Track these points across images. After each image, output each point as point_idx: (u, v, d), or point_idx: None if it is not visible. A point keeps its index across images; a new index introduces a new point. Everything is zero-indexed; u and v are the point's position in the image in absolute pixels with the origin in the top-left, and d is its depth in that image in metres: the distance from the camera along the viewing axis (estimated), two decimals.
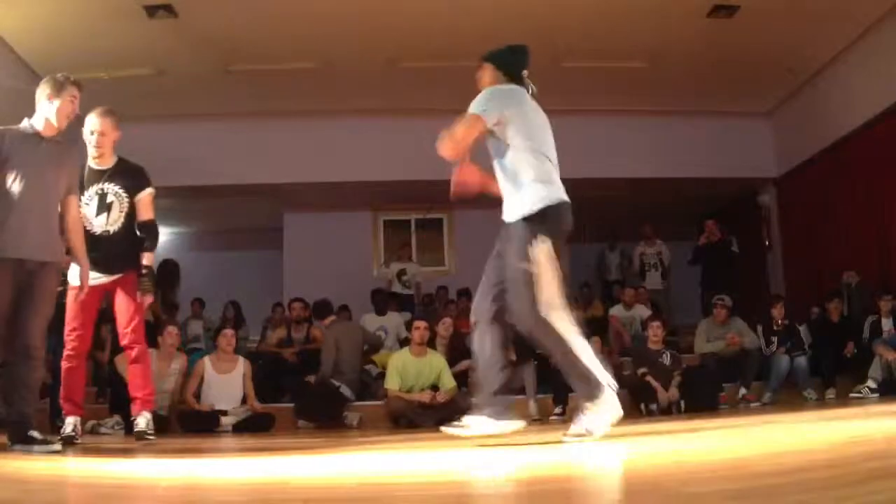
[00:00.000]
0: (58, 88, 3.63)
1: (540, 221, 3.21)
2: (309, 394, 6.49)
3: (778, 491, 1.68)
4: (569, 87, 8.68)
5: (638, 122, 9.30)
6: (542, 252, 3.13)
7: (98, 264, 4.07)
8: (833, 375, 6.86)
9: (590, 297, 9.63)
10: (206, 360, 6.24)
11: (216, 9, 6.86)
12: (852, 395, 6.49)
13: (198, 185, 9.28)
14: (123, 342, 4.33)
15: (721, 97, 8.88)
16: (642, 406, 6.36)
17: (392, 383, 6.12)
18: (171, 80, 8.11)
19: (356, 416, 6.37)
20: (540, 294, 3.08)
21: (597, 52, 7.88)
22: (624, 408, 6.16)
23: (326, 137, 9.16)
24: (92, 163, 4.35)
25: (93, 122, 4.37)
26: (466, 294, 9.24)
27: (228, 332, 6.39)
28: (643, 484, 1.99)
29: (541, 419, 6.34)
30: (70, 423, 4.14)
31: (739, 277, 8.95)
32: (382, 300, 8.22)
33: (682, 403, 6.35)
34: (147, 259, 4.31)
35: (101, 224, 4.24)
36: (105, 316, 8.10)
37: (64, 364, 4.18)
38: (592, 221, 10.79)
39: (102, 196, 4.28)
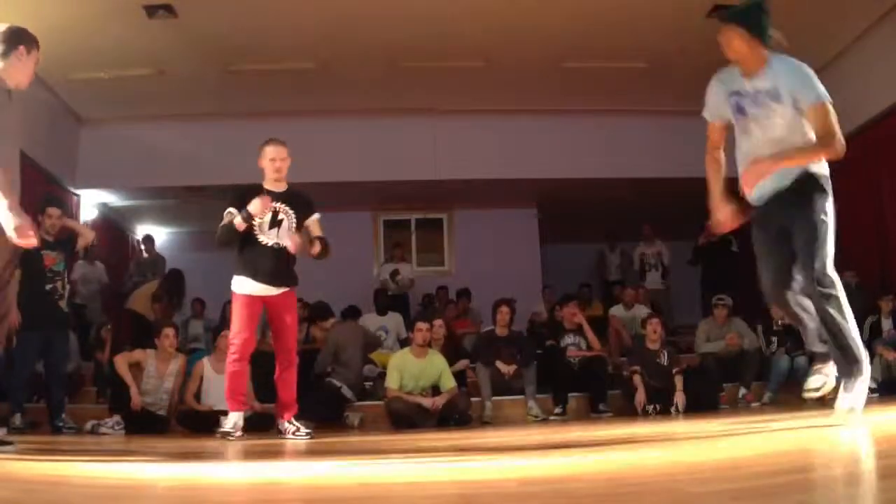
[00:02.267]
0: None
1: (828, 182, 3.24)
2: (309, 393, 6.48)
3: (778, 491, 1.68)
4: (569, 87, 8.69)
5: (638, 122, 9.29)
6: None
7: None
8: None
9: (590, 297, 9.64)
10: (205, 360, 6.24)
11: (216, 9, 6.86)
12: None
13: (198, 185, 9.28)
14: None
15: None
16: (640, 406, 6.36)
17: (392, 383, 6.12)
18: (171, 80, 8.11)
19: (357, 417, 6.37)
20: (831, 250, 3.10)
21: (597, 52, 7.88)
22: (623, 408, 6.17)
23: (326, 137, 9.16)
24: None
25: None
26: (466, 294, 9.26)
27: (228, 332, 6.37)
28: (643, 484, 1.99)
29: (544, 418, 6.34)
30: (232, 419, 4.54)
31: (739, 277, 8.94)
32: (384, 300, 8.23)
33: (681, 403, 6.34)
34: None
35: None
36: (105, 316, 8.13)
37: (231, 367, 4.56)
38: (592, 221, 10.82)
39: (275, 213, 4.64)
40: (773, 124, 3.19)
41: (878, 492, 1.57)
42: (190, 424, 5.83)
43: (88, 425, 5.70)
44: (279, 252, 4.59)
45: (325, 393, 6.38)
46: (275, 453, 3.70)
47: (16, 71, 3.45)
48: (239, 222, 4.47)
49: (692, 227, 9.42)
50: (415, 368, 6.20)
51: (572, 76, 8.36)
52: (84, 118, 8.97)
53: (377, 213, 10.80)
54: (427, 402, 6.01)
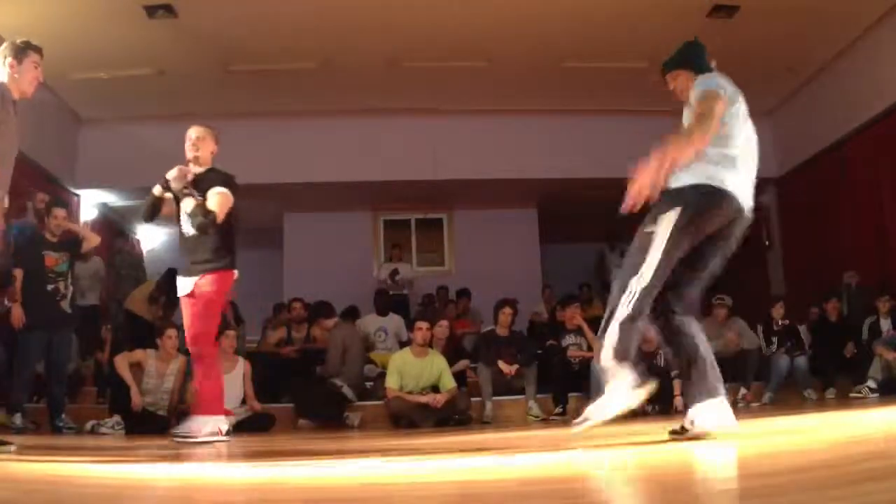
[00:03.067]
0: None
1: None
2: (311, 393, 6.49)
3: (777, 491, 1.68)
4: (569, 87, 8.69)
5: (638, 122, 9.28)
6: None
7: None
8: (833, 375, 6.86)
9: (590, 297, 9.63)
10: None
11: (216, 9, 6.86)
12: (852, 395, 6.49)
13: None
14: None
15: None
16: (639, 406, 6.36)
17: (392, 383, 6.12)
18: (171, 80, 8.11)
19: (357, 417, 6.38)
20: None
21: (597, 52, 7.88)
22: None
23: (326, 137, 9.16)
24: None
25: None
26: (466, 294, 9.25)
27: (230, 332, 6.38)
28: (643, 484, 1.99)
29: (544, 418, 6.34)
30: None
31: (739, 277, 8.94)
32: (384, 301, 8.22)
33: (680, 405, 6.34)
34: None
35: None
36: (105, 316, 8.13)
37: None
38: (592, 221, 10.81)
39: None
40: None
41: (878, 492, 1.57)
42: None
43: (88, 425, 5.71)
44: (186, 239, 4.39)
45: (326, 393, 6.38)
46: (275, 453, 3.70)
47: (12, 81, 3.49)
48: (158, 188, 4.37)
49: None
50: (415, 368, 6.20)
51: (572, 76, 8.36)
52: (84, 118, 8.97)
53: (377, 213, 10.80)
54: (428, 398, 6.02)
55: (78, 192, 9.23)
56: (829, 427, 3.53)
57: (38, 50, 3.60)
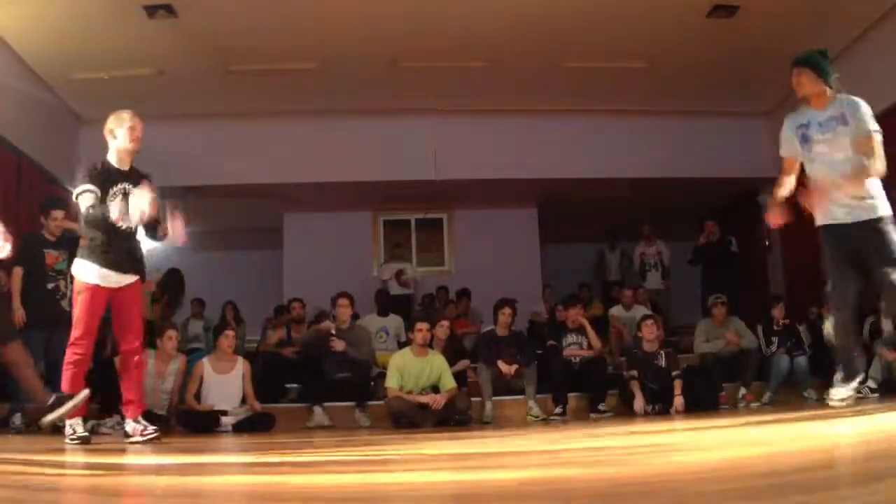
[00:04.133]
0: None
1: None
2: (334, 376, 6.49)
3: (778, 491, 1.68)
4: (569, 87, 8.69)
5: (638, 122, 9.29)
6: None
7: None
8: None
9: (590, 297, 9.64)
10: (205, 360, 6.24)
11: (216, 9, 6.86)
12: None
13: (198, 185, 9.27)
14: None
15: (720, 97, 8.86)
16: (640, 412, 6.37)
17: (392, 383, 6.12)
18: (171, 80, 8.10)
19: (367, 417, 6.37)
20: None
21: (597, 53, 7.88)
22: (622, 408, 6.17)
23: (326, 137, 9.16)
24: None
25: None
26: (466, 294, 9.26)
27: (230, 332, 6.39)
28: (643, 484, 1.99)
29: (544, 418, 6.34)
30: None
31: (739, 277, 8.95)
32: (385, 301, 8.22)
33: (680, 406, 6.34)
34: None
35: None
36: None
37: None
38: (592, 221, 10.82)
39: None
40: (839, 144, 3.95)
41: (878, 492, 1.57)
42: (190, 424, 5.84)
43: (88, 425, 5.70)
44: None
45: (357, 373, 6.49)
46: (274, 453, 3.70)
47: None
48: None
49: (692, 227, 9.43)
50: (415, 368, 6.20)
51: (572, 76, 8.36)
52: (84, 118, 8.96)
53: (377, 213, 10.80)
54: (428, 398, 6.02)
55: None
56: (830, 427, 3.53)
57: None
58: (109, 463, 3.18)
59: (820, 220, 4.07)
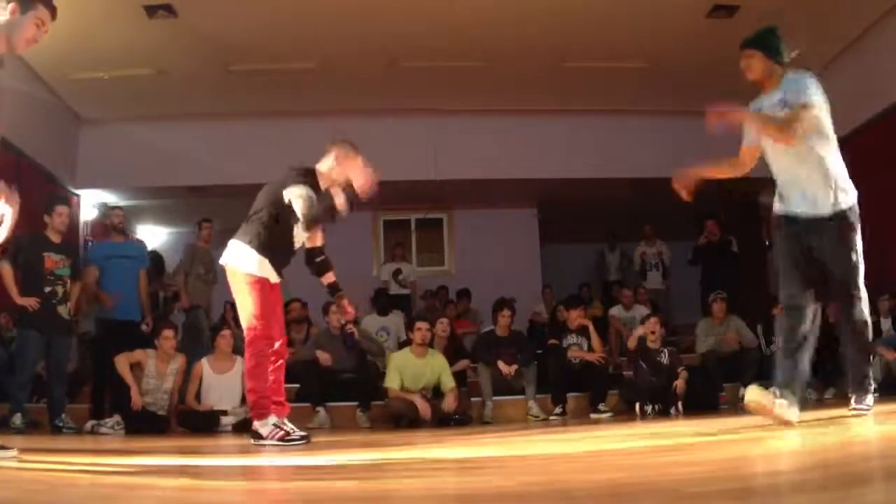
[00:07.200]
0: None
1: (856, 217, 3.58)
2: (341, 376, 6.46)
3: (777, 491, 1.68)
4: (569, 87, 8.69)
5: (638, 122, 9.29)
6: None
7: None
8: (833, 375, 6.85)
9: (590, 297, 9.64)
10: (204, 361, 6.24)
11: (216, 9, 6.86)
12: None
13: (198, 185, 9.27)
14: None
15: (721, 97, 8.85)
16: (638, 406, 6.37)
17: (393, 383, 6.12)
18: (171, 80, 8.11)
19: (366, 418, 6.36)
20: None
21: (597, 52, 7.88)
22: (622, 409, 6.17)
23: (326, 137, 9.15)
24: None
25: None
26: (466, 294, 9.26)
27: (227, 332, 6.38)
28: (643, 484, 1.99)
29: (544, 418, 6.34)
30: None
31: (739, 277, 8.94)
32: (385, 301, 8.21)
33: (681, 404, 6.34)
34: None
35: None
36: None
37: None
38: (592, 221, 10.82)
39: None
40: None
41: (877, 492, 1.57)
42: (190, 424, 5.83)
43: (88, 425, 5.71)
44: None
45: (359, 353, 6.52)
46: (274, 453, 3.70)
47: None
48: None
49: (692, 227, 9.42)
50: (415, 368, 6.20)
51: (572, 76, 8.36)
52: (84, 118, 8.97)
53: (377, 213, 10.80)
54: (421, 405, 5.96)
55: (78, 192, 9.22)
56: (829, 427, 3.53)
57: (50, 7, 3.16)
58: (109, 463, 3.19)
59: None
